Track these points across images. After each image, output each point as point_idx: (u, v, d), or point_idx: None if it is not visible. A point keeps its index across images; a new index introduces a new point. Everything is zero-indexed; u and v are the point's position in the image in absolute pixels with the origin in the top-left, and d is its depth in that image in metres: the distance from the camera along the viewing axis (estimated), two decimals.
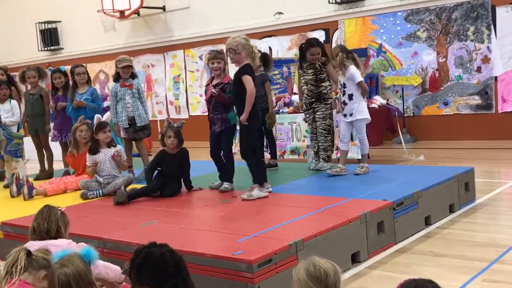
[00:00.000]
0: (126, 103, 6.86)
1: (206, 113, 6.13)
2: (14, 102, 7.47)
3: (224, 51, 5.78)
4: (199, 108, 14.55)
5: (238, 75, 5.44)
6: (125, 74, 6.88)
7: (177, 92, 15.26)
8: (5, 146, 7.17)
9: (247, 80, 5.35)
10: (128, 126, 6.90)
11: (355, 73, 6.24)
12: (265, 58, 7.08)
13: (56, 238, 3.46)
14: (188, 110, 15.01)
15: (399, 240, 4.77)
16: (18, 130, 7.37)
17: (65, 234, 3.56)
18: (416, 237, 4.89)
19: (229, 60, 5.66)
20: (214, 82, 5.90)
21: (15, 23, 18.39)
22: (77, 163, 6.82)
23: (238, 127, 5.94)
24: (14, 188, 6.48)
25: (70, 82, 7.56)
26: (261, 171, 5.59)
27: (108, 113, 6.61)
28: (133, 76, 6.98)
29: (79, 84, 7.32)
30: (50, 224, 3.47)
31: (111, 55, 15.58)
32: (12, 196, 6.45)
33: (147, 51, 15.52)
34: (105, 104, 9.13)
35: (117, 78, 6.96)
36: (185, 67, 15.03)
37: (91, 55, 16.50)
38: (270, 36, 13.18)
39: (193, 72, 14.90)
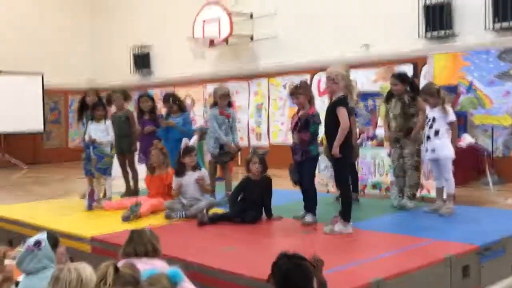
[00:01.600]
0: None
1: (287, 142, 6.20)
2: (108, 122, 7.74)
3: (302, 85, 5.92)
4: (280, 136, 14.64)
5: (333, 106, 5.40)
6: (222, 103, 7.12)
7: (259, 119, 15.45)
8: (95, 164, 7.52)
9: (342, 112, 5.30)
10: (217, 152, 7.13)
11: (452, 112, 6.25)
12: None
13: (153, 257, 3.57)
14: (269, 138, 15.13)
15: (484, 286, 4.57)
16: (111, 150, 7.70)
17: (160, 250, 3.67)
18: (503, 285, 4.66)
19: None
20: (300, 113, 5.97)
21: (111, 46, 19.38)
22: (150, 184, 7.06)
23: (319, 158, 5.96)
24: (86, 202, 7.11)
25: (159, 107, 7.88)
26: (350, 208, 5.46)
27: (195, 137, 6.85)
28: (230, 104, 7.25)
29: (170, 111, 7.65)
30: (147, 247, 3.58)
31: (198, 81, 16.07)
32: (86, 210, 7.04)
33: (232, 78, 15.84)
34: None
35: (214, 104, 7.23)
36: (268, 95, 15.22)
37: (179, 80, 17.04)
38: (355, 68, 13.09)
39: (276, 100, 15.06)
